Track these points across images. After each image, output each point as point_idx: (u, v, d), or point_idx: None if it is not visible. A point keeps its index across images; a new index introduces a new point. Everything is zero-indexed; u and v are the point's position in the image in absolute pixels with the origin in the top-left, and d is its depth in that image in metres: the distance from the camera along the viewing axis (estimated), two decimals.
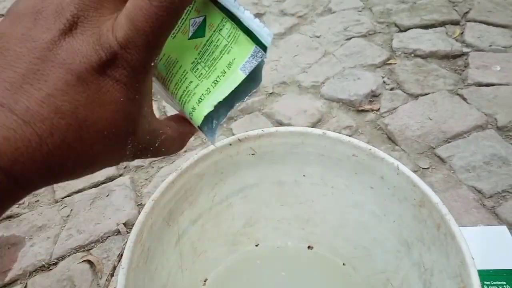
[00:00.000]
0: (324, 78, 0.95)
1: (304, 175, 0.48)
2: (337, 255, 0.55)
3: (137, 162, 0.82)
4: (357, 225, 0.49)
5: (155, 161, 0.82)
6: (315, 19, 1.14)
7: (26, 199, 0.77)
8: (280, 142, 0.45)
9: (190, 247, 0.48)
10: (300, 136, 0.44)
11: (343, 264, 0.55)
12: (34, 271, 0.67)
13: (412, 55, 0.99)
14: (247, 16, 0.22)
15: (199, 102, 0.24)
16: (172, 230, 0.43)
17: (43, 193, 0.79)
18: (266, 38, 0.22)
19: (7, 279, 0.66)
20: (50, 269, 0.67)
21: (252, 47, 0.23)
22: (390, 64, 0.97)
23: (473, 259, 0.33)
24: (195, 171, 0.42)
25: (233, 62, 0.23)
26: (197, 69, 0.24)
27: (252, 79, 0.24)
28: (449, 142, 0.79)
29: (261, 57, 0.23)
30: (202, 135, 0.86)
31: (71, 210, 0.75)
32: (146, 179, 0.79)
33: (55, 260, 0.68)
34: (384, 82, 0.93)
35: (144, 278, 0.37)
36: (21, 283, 0.66)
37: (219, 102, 0.23)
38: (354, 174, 0.45)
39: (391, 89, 0.91)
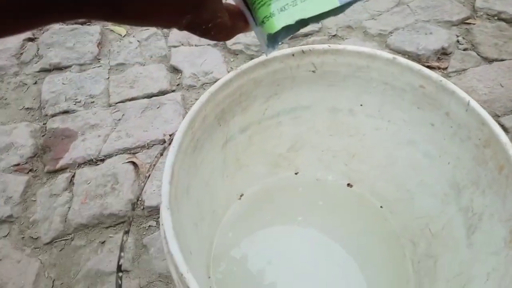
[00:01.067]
0: (393, 28, 0.90)
1: (361, 104, 0.47)
2: (376, 197, 0.55)
3: (190, 81, 0.83)
4: (406, 165, 0.47)
5: (207, 83, 0.83)
6: None
7: (83, 99, 0.81)
8: (344, 62, 0.43)
9: (234, 156, 0.48)
10: (367, 59, 0.42)
11: (381, 206, 0.54)
12: (83, 163, 0.71)
13: (496, 17, 0.90)
14: None
15: (281, 10, 0.22)
16: (221, 131, 0.43)
17: (99, 96, 0.82)
18: None
19: (58, 165, 0.71)
20: (97, 164, 0.71)
21: None
22: (469, 24, 0.89)
23: None
24: (253, 75, 0.41)
25: None
26: None
27: (339, 9, 0.22)
28: None
29: None
30: (252, 39, 0.84)
31: (123, 115, 0.78)
32: (196, 99, 0.80)
33: (103, 157, 0.72)
34: (458, 41, 0.86)
35: (189, 166, 0.38)
36: (70, 171, 0.70)
37: (302, 19, 0.22)
38: (416, 109, 0.42)
39: (465, 49, 0.84)
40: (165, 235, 0.30)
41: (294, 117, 0.49)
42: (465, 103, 0.37)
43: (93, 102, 0.81)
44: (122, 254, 0.29)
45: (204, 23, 0.22)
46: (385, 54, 0.41)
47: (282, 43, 0.25)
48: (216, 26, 0.23)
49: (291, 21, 0.22)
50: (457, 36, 0.87)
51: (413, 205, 0.49)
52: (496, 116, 0.73)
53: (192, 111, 0.36)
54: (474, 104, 0.37)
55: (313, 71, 0.44)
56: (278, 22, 0.22)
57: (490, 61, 0.82)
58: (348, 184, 0.56)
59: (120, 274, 0.29)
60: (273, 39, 0.24)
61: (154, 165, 0.37)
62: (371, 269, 0.49)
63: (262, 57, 0.41)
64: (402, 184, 0.49)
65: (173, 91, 0.82)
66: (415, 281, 0.47)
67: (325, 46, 0.42)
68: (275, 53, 0.41)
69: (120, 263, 0.29)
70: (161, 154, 0.39)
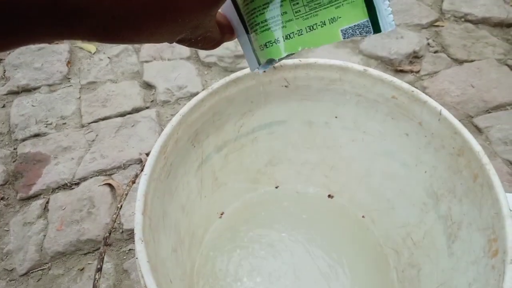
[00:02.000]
0: None
1: (336, 117, 0.46)
2: (357, 207, 0.54)
3: (164, 97, 0.81)
4: (384, 176, 0.47)
5: (182, 98, 0.81)
6: None
7: (54, 121, 0.79)
8: (316, 76, 0.42)
9: (211, 175, 0.48)
10: (339, 71, 0.41)
11: (363, 216, 0.54)
12: (57, 188, 0.69)
13: (463, 19, 0.92)
14: None
15: (287, 38, 0.23)
16: (196, 152, 0.42)
17: (70, 116, 0.79)
18: (385, 23, 0.21)
19: (31, 192, 0.68)
20: (72, 188, 0.69)
21: (364, 17, 0.21)
22: (438, 26, 0.91)
23: (511, 210, 0.31)
24: (225, 94, 0.41)
25: (336, 20, 0.22)
26: (297, 4, 0.22)
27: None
28: (489, 112, 0.74)
29: (366, 33, 0.22)
30: (225, 51, 0.83)
31: (97, 135, 0.76)
32: (171, 114, 0.79)
33: (78, 180, 0.70)
34: (428, 44, 0.87)
35: (164, 192, 0.37)
36: (44, 197, 0.68)
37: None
38: (390, 119, 0.42)
39: (435, 52, 0.86)
40: (141, 269, 0.29)
41: (269, 133, 0.49)
42: (437, 113, 0.37)
43: (65, 123, 0.79)
44: (98, 266, 0.28)
45: (196, 38, 0.22)
46: (356, 66, 0.41)
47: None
48: (206, 39, 0.23)
49: (295, 50, 0.23)
50: (427, 39, 0.88)
51: (394, 214, 0.49)
52: (469, 117, 0.74)
53: (164, 135, 0.35)
54: (446, 113, 0.37)
55: (286, 86, 0.44)
56: (284, 49, 0.23)
57: (460, 62, 0.84)
58: (329, 195, 0.56)
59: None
60: (270, 62, 0.24)
61: (126, 194, 0.36)
62: (356, 278, 0.48)
63: (233, 75, 0.40)
64: (382, 194, 0.49)
65: (147, 107, 0.80)
66: None
67: (296, 60, 0.41)
68: (245, 70, 0.40)
69: (96, 278, 0.28)
70: (133, 182, 0.38)
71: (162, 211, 0.37)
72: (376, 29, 0.22)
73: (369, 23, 0.22)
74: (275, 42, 0.23)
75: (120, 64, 0.89)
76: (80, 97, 0.83)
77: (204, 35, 0.22)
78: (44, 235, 0.64)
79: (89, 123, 0.78)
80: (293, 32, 0.23)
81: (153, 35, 0.19)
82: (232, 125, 0.45)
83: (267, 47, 0.23)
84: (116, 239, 0.63)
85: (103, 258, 0.32)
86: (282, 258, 0.51)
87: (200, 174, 0.44)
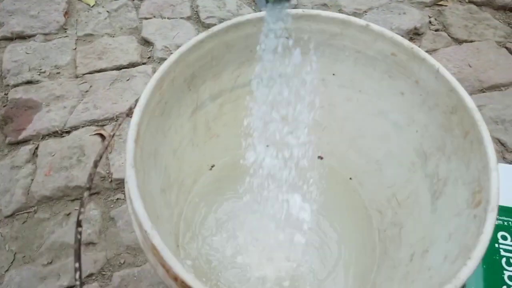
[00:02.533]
0: (368, 7, 0.90)
1: (333, 74, 0.46)
2: (346, 169, 0.55)
3: (161, 54, 0.80)
4: (375, 136, 0.48)
5: None
6: None
7: (48, 69, 0.77)
8: (318, 29, 0.42)
9: (204, 125, 0.48)
10: (341, 25, 0.41)
11: (350, 178, 0.55)
12: (47, 135, 0.69)
13: (467, 0, 0.92)
14: None
15: None
16: (191, 97, 0.42)
17: (65, 67, 0.78)
18: None
19: (20, 137, 0.68)
20: (63, 136, 0.68)
21: None
22: (441, 5, 0.91)
23: (498, 164, 0.32)
24: (225, 39, 0.40)
25: None
26: None
27: None
28: (484, 92, 0.75)
29: None
30: (226, 13, 0.81)
31: (91, 86, 0.75)
32: None
33: (69, 129, 0.69)
34: (430, 22, 0.87)
35: (157, 130, 0.37)
36: (33, 143, 0.68)
37: None
38: (388, 78, 0.43)
39: (436, 30, 0.86)
40: (129, 193, 0.29)
41: (266, 86, 0.48)
42: (434, 70, 0.37)
43: (59, 73, 0.77)
44: (82, 209, 0.28)
45: None
46: (359, 20, 0.40)
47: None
48: None
49: None
50: (430, 17, 0.88)
51: (381, 175, 0.49)
52: None
53: (161, 71, 0.35)
54: (443, 71, 0.37)
55: (287, 37, 0.43)
56: None
57: (460, 42, 0.84)
58: (319, 157, 0.56)
59: (80, 229, 0.28)
60: (278, 1, 0.25)
61: (117, 129, 0.36)
62: (339, 239, 0.49)
63: (235, 20, 0.40)
64: (371, 156, 0.50)
65: (144, 63, 0.79)
66: (380, 249, 0.48)
67: (299, 10, 0.41)
68: (249, 16, 0.40)
69: (80, 219, 0.28)
70: (127, 116, 0.38)
71: (154, 148, 0.37)
72: None
73: None
74: None
75: (119, 19, 0.88)
76: (76, 48, 0.81)
77: None
78: (32, 179, 0.63)
79: (83, 74, 0.77)
80: None
81: None
82: (229, 74, 0.44)
83: None
84: (105, 188, 0.63)
85: (85, 200, 0.32)
86: (269, 215, 0.52)
87: (194, 120, 0.44)
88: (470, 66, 0.78)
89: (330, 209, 0.52)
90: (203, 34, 0.38)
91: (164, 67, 0.35)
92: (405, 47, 0.39)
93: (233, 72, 0.45)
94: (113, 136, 0.34)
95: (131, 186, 0.29)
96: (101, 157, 0.33)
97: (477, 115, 0.34)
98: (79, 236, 0.28)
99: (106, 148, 0.33)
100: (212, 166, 0.55)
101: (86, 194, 0.30)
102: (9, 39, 0.82)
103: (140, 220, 0.28)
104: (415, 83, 0.40)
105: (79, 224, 0.29)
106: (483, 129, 0.33)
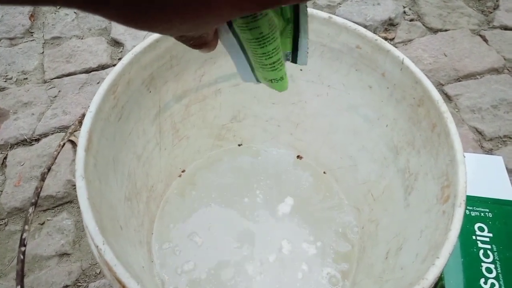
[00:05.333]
0: None
1: (301, 69, 0.45)
2: (321, 165, 0.54)
3: None
4: (347, 132, 0.47)
5: None
6: None
7: (14, 75, 0.75)
8: None
9: (171, 126, 0.46)
10: None
11: (324, 172, 0.54)
12: (15, 144, 0.66)
13: None
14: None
15: (285, 75, 0.26)
16: (152, 99, 0.40)
17: (32, 72, 0.76)
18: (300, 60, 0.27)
19: None
20: (32, 144, 0.66)
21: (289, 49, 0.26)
22: None
23: (464, 157, 0.31)
24: None
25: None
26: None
27: None
28: (460, 81, 0.74)
29: (287, 59, 0.27)
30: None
31: (59, 91, 0.72)
32: None
33: (38, 136, 0.67)
34: (404, 12, 0.86)
35: (114, 135, 0.35)
36: (2, 153, 0.65)
37: None
38: (354, 71, 0.41)
39: (411, 20, 0.85)
40: (80, 206, 0.27)
41: (233, 85, 0.47)
42: (399, 62, 0.36)
43: (26, 78, 0.75)
44: (26, 227, 0.26)
45: (195, 36, 0.21)
46: (321, 13, 0.39)
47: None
48: (199, 40, 0.21)
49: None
50: (404, 7, 0.87)
51: (356, 171, 0.48)
52: (440, 85, 0.74)
53: (113, 73, 0.33)
54: (408, 62, 0.36)
55: None
56: (287, 83, 0.27)
57: (435, 31, 0.83)
58: (298, 156, 0.55)
59: (23, 248, 0.26)
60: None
61: (72, 132, 0.34)
62: (318, 237, 0.48)
63: None
64: (345, 151, 0.49)
65: (114, 65, 0.77)
66: (359, 246, 0.47)
67: None
68: None
69: (23, 237, 0.26)
70: (79, 122, 0.36)
71: (112, 155, 0.35)
72: (294, 60, 0.27)
73: (290, 54, 0.26)
74: (281, 79, 0.26)
75: (87, 20, 0.85)
76: (43, 52, 0.79)
77: (201, 37, 0.21)
78: (1, 191, 0.61)
79: (51, 79, 0.74)
80: (285, 73, 0.26)
81: (173, 22, 0.15)
82: (192, 73, 0.43)
83: (273, 83, 0.27)
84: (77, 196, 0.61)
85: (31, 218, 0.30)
86: (246, 218, 0.51)
87: (158, 123, 0.43)
88: (446, 55, 0.77)
89: (308, 206, 0.51)
90: (158, 34, 0.36)
91: (116, 69, 0.34)
92: (369, 39, 0.37)
93: (197, 71, 0.43)
94: (63, 145, 0.32)
95: (81, 198, 0.27)
96: (49, 169, 0.31)
97: (443, 107, 0.33)
98: (22, 257, 0.26)
99: (55, 159, 0.31)
100: (183, 171, 0.53)
101: (31, 210, 0.29)
102: None
103: (91, 234, 0.26)
104: (381, 76, 0.39)
105: (22, 243, 0.27)
106: (449, 121, 0.32)
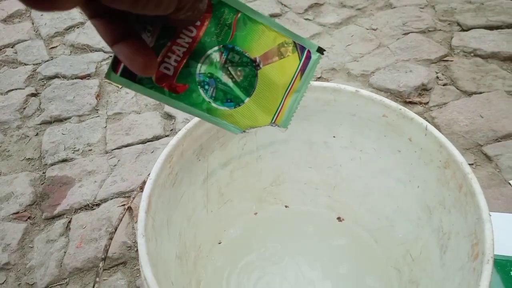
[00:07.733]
0: (375, 68, 0.95)
1: (334, 136, 0.49)
2: (360, 226, 0.56)
3: (183, 125, 0.86)
4: (382, 193, 0.49)
5: None
6: (374, 13, 1.13)
7: (81, 147, 0.85)
8: (312, 97, 0.46)
9: (217, 191, 0.51)
10: (333, 93, 0.45)
11: (363, 234, 0.55)
12: (79, 209, 0.74)
13: (472, 54, 0.95)
14: None
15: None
16: (201, 166, 0.46)
17: (96, 144, 0.85)
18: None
19: (55, 212, 0.73)
20: (93, 209, 0.73)
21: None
22: (447, 61, 0.94)
23: (490, 215, 0.32)
24: None
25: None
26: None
27: None
28: (499, 141, 0.75)
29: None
30: None
31: (118, 160, 0.81)
32: None
33: (98, 202, 0.74)
34: (437, 77, 0.90)
35: (169, 199, 0.41)
36: (67, 217, 0.73)
37: None
38: (383, 137, 0.45)
39: (444, 84, 0.88)
40: (140, 260, 0.32)
41: (273, 151, 0.52)
42: (423, 128, 0.40)
43: (91, 150, 0.85)
44: (97, 279, 0.31)
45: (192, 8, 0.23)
46: (348, 87, 0.44)
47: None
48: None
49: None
50: (436, 73, 0.91)
51: (394, 232, 0.50)
52: (478, 146, 0.75)
53: (169, 146, 0.39)
54: (431, 128, 0.39)
55: None
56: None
57: (469, 94, 0.85)
58: (338, 218, 0.57)
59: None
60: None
61: (134, 198, 0.39)
62: None
63: None
64: (382, 212, 0.51)
65: (166, 135, 0.85)
66: None
67: None
68: None
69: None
70: (141, 188, 0.41)
71: (167, 216, 0.40)
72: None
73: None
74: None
75: (144, 97, 0.96)
76: (106, 126, 0.89)
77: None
78: (65, 252, 0.67)
79: (112, 150, 0.84)
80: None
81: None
82: (235, 143, 0.48)
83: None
84: (131, 257, 0.66)
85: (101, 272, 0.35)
86: (291, 277, 0.52)
87: (206, 187, 0.48)
88: (482, 117, 0.79)
89: (351, 267, 0.52)
90: None
91: (172, 142, 0.40)
92: (394, 109, 0.42)
93: (239, 141, 0.48)
94: (127, 208, 0.38)
95: (141, 254, 0.32)
96: (115, 230, 0.36)
97: (467, 169, 0.35)
98: None
99: (121, 220, 0.37)
100: (228, 231, 0.57)
101: (101, 264, 0.33)
102: (48, 122, 0.91)
103: (149, 285, 0.30)
104: (408, 140, 0.42)
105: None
106: (473, 182, 0.34)
